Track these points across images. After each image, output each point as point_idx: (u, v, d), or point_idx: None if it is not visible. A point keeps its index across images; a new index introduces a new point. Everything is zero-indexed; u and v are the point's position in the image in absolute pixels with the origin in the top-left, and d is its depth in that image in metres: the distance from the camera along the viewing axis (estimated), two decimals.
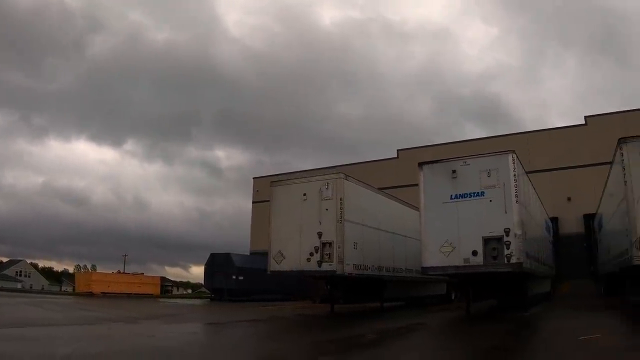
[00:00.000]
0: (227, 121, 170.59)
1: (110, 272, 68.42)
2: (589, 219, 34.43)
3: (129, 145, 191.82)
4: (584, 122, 40.55)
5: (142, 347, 11.18)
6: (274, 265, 21.20)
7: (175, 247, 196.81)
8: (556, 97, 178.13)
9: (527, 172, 22.57)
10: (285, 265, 20.89)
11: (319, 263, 20.05)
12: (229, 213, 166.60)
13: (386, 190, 30.42)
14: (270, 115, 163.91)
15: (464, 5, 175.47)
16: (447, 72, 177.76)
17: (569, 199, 37.92)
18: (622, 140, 16.86)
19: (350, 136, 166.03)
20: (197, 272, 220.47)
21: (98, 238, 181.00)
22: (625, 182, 16.18)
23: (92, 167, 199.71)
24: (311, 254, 20.20)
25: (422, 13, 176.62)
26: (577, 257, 35.24)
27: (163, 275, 69.67)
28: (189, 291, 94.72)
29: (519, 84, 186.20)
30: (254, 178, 54.72)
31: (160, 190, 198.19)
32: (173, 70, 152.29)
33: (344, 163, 47.83)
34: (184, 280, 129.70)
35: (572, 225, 37.78)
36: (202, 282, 51.36)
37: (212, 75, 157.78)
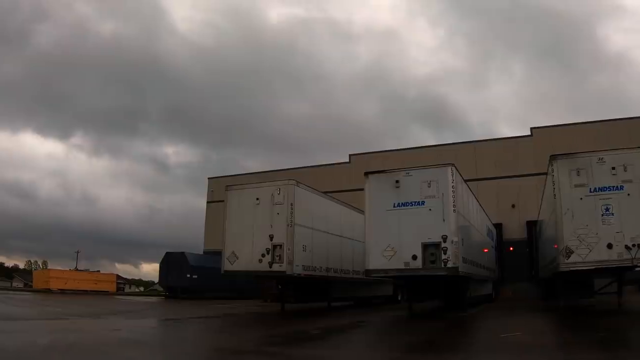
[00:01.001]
0: (174, 117, 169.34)
1: (66, 269, 68.55)
2: (531, 225, 35.93)
3: (76, 139, 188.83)
4: (529, 133, 42.26)
5: (111, 339, 12.54)
6: (227, 266, 22.17)
7: (125, 243, 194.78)
8: (502, 102, 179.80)
9: (474, 180, 23.85)
10: (239, 266, 21.91)
11: (270, 264, 21.16)
12: (179, 210, 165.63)
13: (338, 194, 31.62)
14: (217, 112, 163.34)
15: (411, 6, 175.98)
16: (394, 73, 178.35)
17: (513, 206, 39.47)
18: (553, 157, 18.40)
19: (297, 135, 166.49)
20: (147, 270, 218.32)
21: (47, 233, 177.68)
22: (555, 195, 17.74)
23: (39, 161, 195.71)
24: (263, 255, 21.27)
25: (368, 13, 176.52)
26: (520, 262, 36.72)
27: (113, 272, 69.85)
28: (141, 289, 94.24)
29: (465, 87, 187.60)
30: (208, 178, 55.19)
31: (108, 185, 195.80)
32: (119, 64, 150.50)
33: (298, 166, 49.01)
34: (136, 277, 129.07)
35: (515, 231, 39.39)
36: (154, 280, 51.89)
37: (158, 70, 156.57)
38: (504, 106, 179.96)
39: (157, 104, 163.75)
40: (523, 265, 36.55)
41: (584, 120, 39.69)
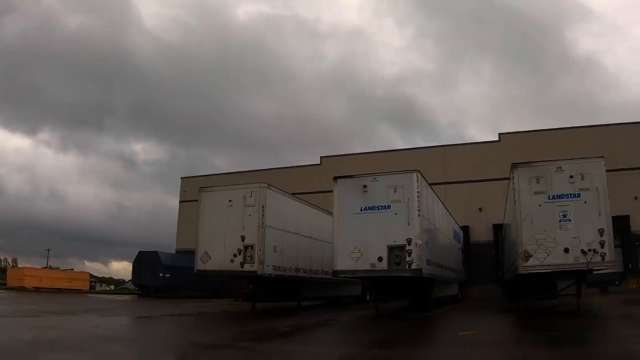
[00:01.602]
0: (142, 113, 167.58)
1: (39, 267, 68.54)
2: (497, 228, 36.85)
3: (44, 134, 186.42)
4: (497, 139, 43.38)
5: (92, 335, 13.46)
6: (200, 265, 22.75)
7: (94, 241, 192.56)
8: (471, 103, 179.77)
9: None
10: (211, 266, 22.50)
11: (242, 264, 21.82)
12: (148, 207, 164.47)
13: (310, 195, 32.34)
14: (184, 109, 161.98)
15: (378, 6, 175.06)
16: (361, 73, 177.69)
17: (480, 209, 40.45)
18: (514, 165, 19.29)
19: (265, 133, 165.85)
20: (117, 268, 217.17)
21: (15, 230, 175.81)
22: (515, 202, 18.66)
23: (6, 156, 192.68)
24: (235, 256, 21.91)
25: (335, 12, 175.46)
26: (487, 264, 37.44)
27: (83, 270, 69.71)
28: (112, 287, 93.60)
29: (433, 88, 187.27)
30: (181, 178, 55.38)
31: (76, 182, 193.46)
32: (86, 58, 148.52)
33: (269, 167, 49.75)
34: (106, 275, 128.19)
35: (482, 234, 40.39)
36: (124, 278, 52.16)
37: (125, 65, 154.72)
38: (473, 107, 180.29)
39: (124, 100, 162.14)
40: (490, 267, 37.13)
41: (551, 125, 41.86)
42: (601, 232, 17.83)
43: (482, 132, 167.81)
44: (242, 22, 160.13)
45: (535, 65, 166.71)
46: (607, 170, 18.29)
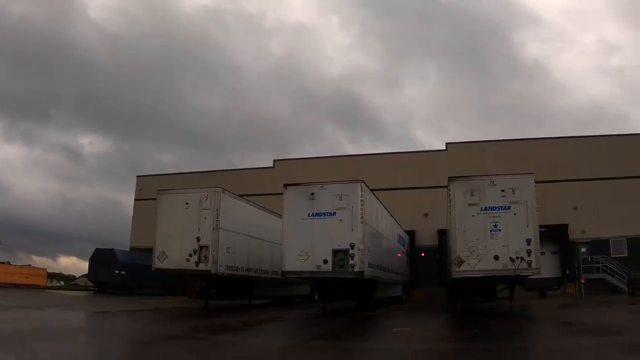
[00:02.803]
0: (87, 105, 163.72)
1: None
2: (441, 233, 38.45)
3: None
4: (444, 148, 45.31)
5: (66, 327, 14.90)
6: (157, 264, 23.98)
7: (41, 235, 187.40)
8: (417, 104, 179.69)
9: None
10: (168, 264, 23.76)
11: (197, 263, 23.24)
12: (95, 202, 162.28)
13: (262, 197, 33.65)
14: (129, 102, 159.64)
15: (323, 3, 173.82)
16: (307, 70, 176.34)
17: (426, 215, 42.22)
18: (450, 178, 21.16)
19: (210, 128, 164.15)
20: (65, 263, 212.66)
21: None
22: (450, 212, 20.36)
23: None
24: (190, 255, 23.30)
25: (280, 8, 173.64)
26: (432, 267, 38.91)
27: (29, 264, 69.02)
28: (62, 283, 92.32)
29: (379, 88, 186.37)
30: (137, 176, 55.71)
31: (22, 174, 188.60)
32: (29, 47, 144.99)
33: (218, 163, 51.86)
34: (56, 271, 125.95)
35: (428, 238, 42.19)
36: (74, 274, 52.42)
37: (69, 56, 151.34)
38: (419, 108, 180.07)
39: (69, 91, 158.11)
40: (434, 270, 38.30)
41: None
42: (528, 241, 19.62)
43: (429, 135, 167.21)
44: (187, 15, 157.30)
45: (482, 67, 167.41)
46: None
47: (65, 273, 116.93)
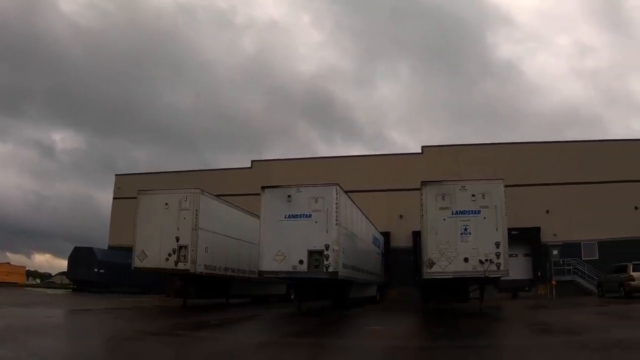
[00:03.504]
0: (58, 100, 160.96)
1: None
2: (416, 235, 39.06)
3: None
4: (420, 151, 46.16)
5: (52, 323, 15.74)
6: (137, 263, 24.45)
7: (15, 232, 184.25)
8: (390, 103, 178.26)
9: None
10: (148, 263, 24.25)
11: (176, 263, 23.80)
12: (68, 199, 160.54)
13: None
14: (101, 97, 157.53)
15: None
16: (279, 67, 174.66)
17: (401, 216, 42.97)
18: (423, 183, 21.96)
19: (182, 125, 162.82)
20: (40, 261, 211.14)
21: None
22: (423, 215, 21.05)
23: None
24: (169, 255, 23.85)
25: (251, 4, 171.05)
26: (406, 268, 39.16)
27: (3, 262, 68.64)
28: (38, 281, 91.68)
29: (352, 86, 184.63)
30: (116, 175, 55.77)
31: None
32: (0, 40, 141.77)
33: (199, 165, 51.89)
34: (31, 269, 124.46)
35: (402, 239, 42.83)
36: (49, 271, 52.34)
37: (41, 50, 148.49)
38: (392, 107, 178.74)
39: (40, 85, 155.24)
40: (409, 271, 38.58)
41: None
42: (497, 244, 20.44)
43: (402, 135, 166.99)
44: (157, 9, 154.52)
45: (455, 67, 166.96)
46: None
47: (40, 271, 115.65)
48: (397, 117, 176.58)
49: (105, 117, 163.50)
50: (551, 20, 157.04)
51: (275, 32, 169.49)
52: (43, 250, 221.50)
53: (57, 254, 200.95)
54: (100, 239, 51.94)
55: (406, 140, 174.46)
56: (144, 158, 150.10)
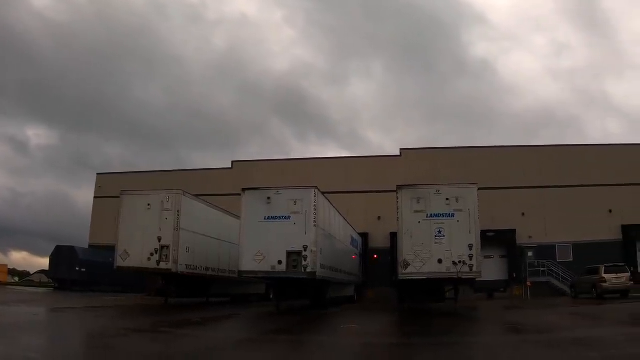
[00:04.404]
0: (32, 95, 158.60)
1: None
2: (393, 236, 39.64)
3: None
4: (399, 154, 46.83)
5: (40, 321, 16.52)
6: (120, 262, 24.87)
7: None
8: (364, 102, 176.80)
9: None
10: (130, 263, 24.71)
11: (158, 262, 24.36)
12: (44, 195, 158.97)
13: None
14: (74, 92, 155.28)
15: None
16: (251, 63, 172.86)
17: (379, 218, 43.49)
18: (399, 187, 22.66)
19: (155, 121, 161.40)
20: (17, 259, 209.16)
21: None
22: (398, 218, 21.68)
23: None
24: (152, 254, 24.36)
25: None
26: (384, 268, 39.71)
27: None
28: (16, 279, 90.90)
29: (326, 84, 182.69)
30: (97, 174, 55.53)
31: None
32: None
33: (173, 162, 52.45)
34: (9, 267, 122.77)
35: (381, 240, 43.44)
36: (29, 270, 52.42)
37: (12, 45, 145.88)
38: (366, 105, 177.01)
39: (12, 80, 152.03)
40: (387, 271, 39.15)
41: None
42: (470, 246, 21.18)
43: (376, 133, 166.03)
44: (128, 2, 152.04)
45: (429, 66, 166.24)
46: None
47: (18, 269, 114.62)
48: (371, 116, 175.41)
49: (78, 113, 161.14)
50: (527, 19, 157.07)
51: (246, 28, 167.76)
52: (20, 247, 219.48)
53: (34, 251, 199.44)
54: (79, 237, 52.03)
55: (381, 140, 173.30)
56: (119, 154, 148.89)
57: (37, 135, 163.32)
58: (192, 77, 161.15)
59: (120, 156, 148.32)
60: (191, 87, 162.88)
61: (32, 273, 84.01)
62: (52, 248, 44.46)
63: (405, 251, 21.45)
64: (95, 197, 54.13)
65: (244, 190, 22.74)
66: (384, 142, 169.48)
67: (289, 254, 21.39)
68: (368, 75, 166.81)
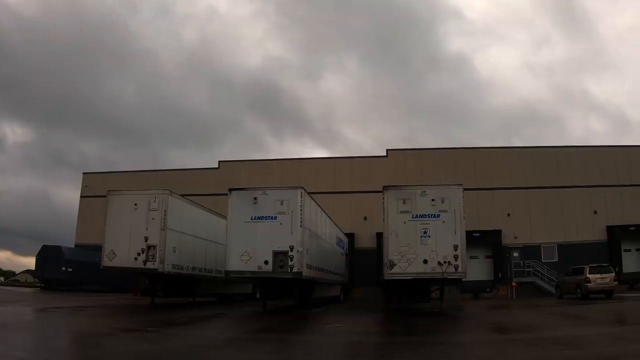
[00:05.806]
0: (6, 91, 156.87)
1: None
2: (380, 236, 39.85)
3: None
4: (385, 154, 47.06)
5: (28, 320, 16.86)
6: (106, 262, 24.93)
7: None
8: (340, 97, 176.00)
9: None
10: (117, 262, 24.76)
11: (145, 262, 24.39)
12: (24, 194, 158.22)
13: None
14: (47, 88, 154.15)
15: None
16: (223, 58, 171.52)
17: (365, 218, 43.68)
18: (385, 187, 22.78)
19: (128, 116, 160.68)
20: (0, 258, 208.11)
21: None
22: (384, 218, 21.85)
23: None
24: (138, 254, 24.42)
25: None
26: (370, 268, 39.81)
27: None
28: (2, 279, 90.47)
29: (300, 79, 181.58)
30: (83, 173, 55.17)
31: None
32: None
33: (171, 168, 51.86)
34: None
35: (367, 240, 43.82)
36: (14, 270, 52.42)
37: None
38: (342, 99, 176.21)
39: None
40: (373, 271, 39.31)
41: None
42: (455, 247, 21.37)
43: (353, 129, 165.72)
44: None
45: (404, 60, 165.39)
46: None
47: (3, 269, 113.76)
48: (347, 112, 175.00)
49: (52, 109, 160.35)
50: (504, 14, 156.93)
51: (217, 22, 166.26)
52: (3, 247, 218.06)
53: (17, 251, 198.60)
54: (64, 236, 51.94)
55: (358, 136, 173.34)
56: (95, 151, 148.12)
57: (13, 131, 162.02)
58: (163, 72, 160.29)
59: (97, 153, 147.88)
60: (163, 83, 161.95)
61: (17, 273, 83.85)
62: (36, 247, 44.58)
63: (391, 251, 21.63)
64: (81, 197, 53.97)
65: (230, 190, 22.83)
66: (361, 139, 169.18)
67: (276, 254, 21.47)
68: (342, 70, 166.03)
